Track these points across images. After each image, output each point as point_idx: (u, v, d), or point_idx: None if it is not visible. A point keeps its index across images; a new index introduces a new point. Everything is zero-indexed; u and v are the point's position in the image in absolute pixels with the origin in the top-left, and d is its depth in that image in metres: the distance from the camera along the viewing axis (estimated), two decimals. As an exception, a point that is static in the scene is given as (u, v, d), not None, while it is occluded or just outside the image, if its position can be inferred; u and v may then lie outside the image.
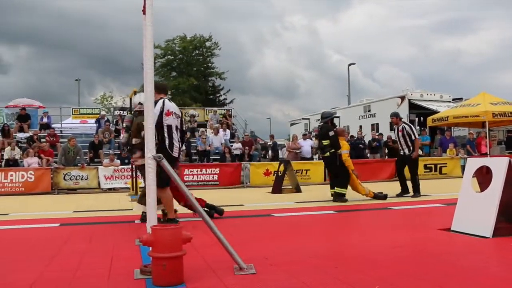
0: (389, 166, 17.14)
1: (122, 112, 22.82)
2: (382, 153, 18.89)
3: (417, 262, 4.13)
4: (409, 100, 23.48)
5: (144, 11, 5.05)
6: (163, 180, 6.01)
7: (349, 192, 9.89)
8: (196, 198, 7.01)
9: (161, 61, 44.53)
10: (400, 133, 10.62)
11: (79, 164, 15.71)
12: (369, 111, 26.49)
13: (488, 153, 17.90)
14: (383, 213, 8.12)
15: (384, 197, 9.88)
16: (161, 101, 6.26)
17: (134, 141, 6.91)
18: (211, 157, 18.51)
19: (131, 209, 8.66)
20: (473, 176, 5.54)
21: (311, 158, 18.92)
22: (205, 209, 7.38)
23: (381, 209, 8.48)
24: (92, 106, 33.76)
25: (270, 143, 20.76)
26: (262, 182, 15.94)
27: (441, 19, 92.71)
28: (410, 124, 11.14)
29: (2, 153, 16.81)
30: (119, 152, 17.01)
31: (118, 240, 5.60)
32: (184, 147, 6.37)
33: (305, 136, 20.07)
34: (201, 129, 20.65)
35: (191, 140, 19.52)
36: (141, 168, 6.50)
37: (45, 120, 21.44)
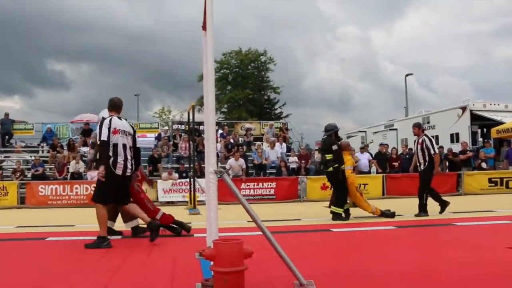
0: (450, 180, 16.62)
1: (180, 126, 23.28)
2: (444, 167, 18.30)
3: (487, 283, 3.94)
4: (471, 110, 22.68)
5: (204, 27, 5.15)
6: (100, 195, 6.49)
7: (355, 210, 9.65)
8: (164, 214, 7.21)
9: (217, 75, 45.22)
10: (419, 146, 10.02)
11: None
12: (428, 122, 25.75)
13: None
14: (446, 229, 7.85)
15: (392, 215, 9.42)
16: (108, 119, 6.40)
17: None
18: (267, 171, 18.55)
19: (190, 223, 8.77)
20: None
21: (369, 172, 18.60)
22: (173, 225, 7.39)
23: (444, 225, 8.20)
24: (151, 121, 34.69)
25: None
26: (319, 196, 15.79)
27: (502, 24, 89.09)
28: (431, 137, 10.36)
29: (68, 166, 17.53)
30: (177, 166, 17.33)
31: (177, 253, 5.67)
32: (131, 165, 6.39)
33: (362, 149, 19.76)
34: (257, 142, 20.75)
35: (247, 154, 19.64)
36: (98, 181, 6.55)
37: (107, 134, 22.14)
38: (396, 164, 18.17)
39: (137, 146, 6.83)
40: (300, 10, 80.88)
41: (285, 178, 17.29)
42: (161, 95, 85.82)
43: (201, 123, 19.40)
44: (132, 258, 5.37)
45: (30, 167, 18.31)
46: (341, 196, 9.48)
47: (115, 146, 6.35)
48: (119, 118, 6.59)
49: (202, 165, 17.16)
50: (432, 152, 9.80)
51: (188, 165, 15.57)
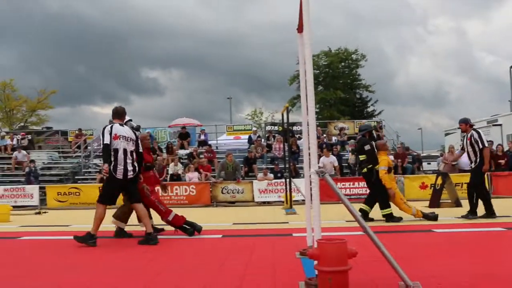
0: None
1: (272, 127, 23.52)
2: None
3: None
4: None
5: (299, 30, 5.20)
6: (102, 196, 6.98)
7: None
8: (176, 215, 7.42)
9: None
10: (468, 141, 9.40)
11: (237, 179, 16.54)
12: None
13: None
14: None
15: (435, 217, 8.86)
16: (110, 126, 6.83)
17: None
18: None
19: (287, 222, 8.86)
20: None
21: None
22: (185, 226, 7.56)
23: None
24: (244, 123, 35.31)
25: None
26: (417, 196, 15.25)
27: None
28: (479, 131, 9.61)
29: (167, 168, 18.33)
30: (272, 166, 17.54)
31: (278, 252, 5.74)
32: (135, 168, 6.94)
33: (463, 148, 18.76)
34: (351, 141, 20.45)
35: (341, 153, 19.43)
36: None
37: (202, 137, 22.91)
38: (502, 161, 17.08)
39: (140, 151, 7.14)
40: (387, 4, 78.76)
41: (381, 177, 16.86)
42: (250, 97, 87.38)
43: (294, 124, 19.51)
44: (234, 258, 5.50)
45: (133, 169, 19.29)
46: (382, 197, 9.12)
47: (116, 151, 6.75)
48: (121, 124, 7.00)
49: (297, 165, 17.26)
50: (480, 145, 9.19)
51: (283, 166, 15.70)
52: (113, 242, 7.25)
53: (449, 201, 12.58)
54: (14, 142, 23.62)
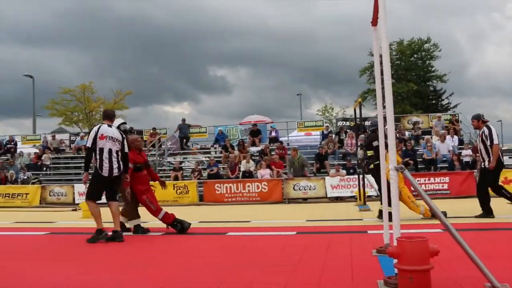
0: None
1: (344, 122, 23.21)
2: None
3: None
4: None
5: (373, 23, 5.08)
6: (89, 193, 7.33)
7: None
8: (166, 213, 7.66)
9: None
10: (479, 138, 8.80)
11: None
12: None
13: None
14: None
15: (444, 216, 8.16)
16: (97, 126, 7.35)
17: None
18: (438, 165, 17.65)
19: (361, 219, 8.73)
20: None
21: None
22: (174, 223, 7.83)
23: None
24: (314, 119, 35.09)
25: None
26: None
27: None
28: (491, 127, 8.88)
29: (239, 165, 18.58)
30: (344, 162, 17.36)
31: (353, 249, 5.66)
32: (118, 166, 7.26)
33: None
34: (426, 136, 19.83)
35: (415, 148, 18.88)
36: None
37: (273, 134, 23.00)
38: None
39: (125, 151, 7.46)
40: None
41: (459, 172, 16.29)
42: (318, 93, 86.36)
43: (365, 119, 19.12)
44: (309, 255, 5.47)
45: (205, 167, 19.75)
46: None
47: (102, 150, 7.16)
48: (109, 126, 7.41)
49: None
50: (489, 142, 8.59)
51: (356, 162, 15.47)
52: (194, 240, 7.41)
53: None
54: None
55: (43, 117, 44.64)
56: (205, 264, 5.09)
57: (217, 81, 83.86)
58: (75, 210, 14.66)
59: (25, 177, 20.71)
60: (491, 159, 8.56)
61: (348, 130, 20.93)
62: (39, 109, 41.38)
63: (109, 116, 7.62)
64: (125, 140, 7.52)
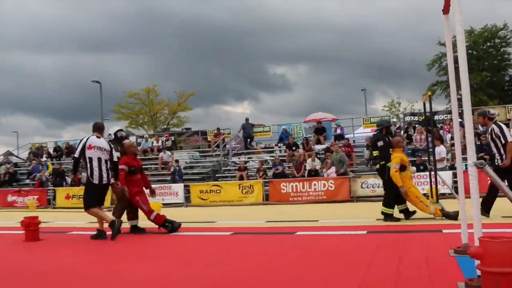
0: None
1: (412, 117, 22.48)
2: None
3: None
4: None
5: (445, 11, 4.81)
6: (85, 202, 7.90)
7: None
8: (158, 215, 8.20)
9: (446, 62, 42.30)
10: (489, 137, 8.43)
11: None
12: None
13: None
14: None
15: (456, 216, 7.78)
16: (86, 138, 7.95)
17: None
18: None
19: (435, 218, 8.39)
20: None
21: None
22: (166, 224, 8.17)
23: None
24: (380, 114, 34.24)
25: None
26: None
27: None
28: (500, 124, 8.38)
29: (305, 164, 18.40)
30: (413, 158, 16.80)
31: (429, 249, 5.40)
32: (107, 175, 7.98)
33: None
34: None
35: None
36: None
37: (338, 131, 22.63)
38: None
39: (114, 160, 8.08)
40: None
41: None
42: (381, 88, 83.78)
43: (435, 113, 18.50)
44: (384, 255, 5.30)
45: (270, 166, 19.71)
46: (389, 195, 8.61)
47: (91, 159, 7.77)
48: (98, 137, 8.02)
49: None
50: (503, 141, 8.10)
51: (427, 158, 14.92)
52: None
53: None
54: (160, 143, 25.35)
55: (110, 120, 46.26)
56: (278, 262, 5.07)
57: (276, 79, 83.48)
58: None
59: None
60: (505, 156, 8.17)
61: (416, 125, 20.26)
62: (106, 113, 42.95)
63: (99, 128, 8.23)
64: (113, 150, 8.15)
